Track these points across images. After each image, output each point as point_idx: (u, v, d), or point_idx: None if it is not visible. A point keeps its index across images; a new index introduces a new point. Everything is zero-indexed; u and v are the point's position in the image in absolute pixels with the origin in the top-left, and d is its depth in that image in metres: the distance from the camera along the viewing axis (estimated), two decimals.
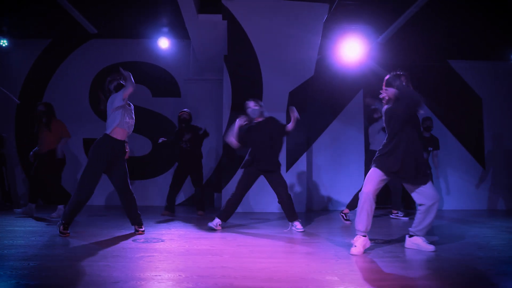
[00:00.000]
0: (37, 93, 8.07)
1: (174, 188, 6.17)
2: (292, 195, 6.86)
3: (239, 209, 5.52)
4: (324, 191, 7.66)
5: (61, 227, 4.08)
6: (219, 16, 5.95)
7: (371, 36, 7.20)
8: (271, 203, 6.86)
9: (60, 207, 5.70)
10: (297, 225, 4.71)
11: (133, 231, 4.37)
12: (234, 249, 3.59)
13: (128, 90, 4.16)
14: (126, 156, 4.37)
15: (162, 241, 3.93)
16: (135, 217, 4.35)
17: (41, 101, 8.05)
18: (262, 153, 4.70)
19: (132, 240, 3.92)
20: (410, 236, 3.65)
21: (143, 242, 3.83)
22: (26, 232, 4.41)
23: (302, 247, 3.76)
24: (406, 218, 5.83)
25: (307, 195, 7.26)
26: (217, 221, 4.68)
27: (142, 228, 4.36)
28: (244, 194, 4.79)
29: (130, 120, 4.31)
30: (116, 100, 4.17)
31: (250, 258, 3.20)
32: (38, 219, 5.48)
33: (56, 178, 5.92)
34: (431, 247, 3.52)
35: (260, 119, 4.80)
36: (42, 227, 4.78)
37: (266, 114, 4.84)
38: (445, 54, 7.94)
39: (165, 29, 7.71)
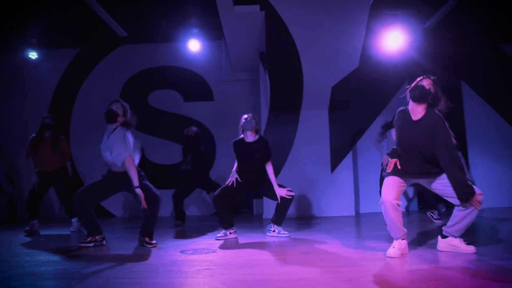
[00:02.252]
0: (67, 102, 7.87)
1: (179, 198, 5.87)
2: (338, 198, 6.47)
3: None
4: (372, 192, 7.08)
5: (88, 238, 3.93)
6: (256, 7, 5.54)
7: (416, 22, 6.67)
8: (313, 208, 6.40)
9: (74, 220, 5.39)
10: (281, 230, 4.35)
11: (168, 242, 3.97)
12: (300, 257, 3.12)
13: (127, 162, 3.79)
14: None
15: (213, 251, 3.51)
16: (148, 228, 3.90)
17: (71, 111, 7.93)
18: (249, 168, 4.37)
19: (180, 252, 3.51)
20: (444, 237, 3.13)
21: (192, 254, 3.41)
22: (58, 249, 4.07)
23: (378, 253, 3.24)
24: (439, 221, 5.21)
25: (355, 197, 6.71)
26: (224, 231, 4.27)
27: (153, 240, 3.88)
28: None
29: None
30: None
31: (326, 267, 2.72)
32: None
33: (67, 193, 5.48)
34: (471, 249, 3.01)
35: (252, 136, 4.40)
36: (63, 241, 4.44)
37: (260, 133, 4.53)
38: (496, 38, 7.31)
39: (195, 31, 7.38)
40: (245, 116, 4.43)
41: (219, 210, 4.23)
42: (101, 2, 6.15)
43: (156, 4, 6.62)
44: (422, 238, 3.84)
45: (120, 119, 3.93)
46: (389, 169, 3.15)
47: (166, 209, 7.05)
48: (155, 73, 7.92)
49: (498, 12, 6.53)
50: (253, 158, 4.32)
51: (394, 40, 6.55)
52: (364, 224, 5.37)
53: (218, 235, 4.27)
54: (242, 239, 4.19)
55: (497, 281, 2.22)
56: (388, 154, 3.20)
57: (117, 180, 3.93)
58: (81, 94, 7.98)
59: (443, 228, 3.16)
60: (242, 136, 4.46)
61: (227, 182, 4.32)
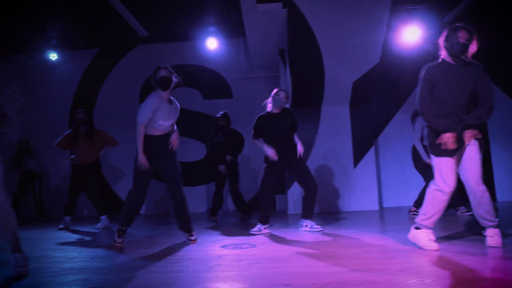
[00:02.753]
0: (88, 101, 7.96)
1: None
2: (362, 192, 6.50)
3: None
4: (395, 187, 7.11)
5: (116, 235, 3.86)
6: (279, 5, 5.59)
7: (435, 16, 6.67)
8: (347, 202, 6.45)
9: (103, 217, 5.50)
10: (314, 224, 4.35)
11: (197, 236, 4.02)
12: (343, 250, 3.17)
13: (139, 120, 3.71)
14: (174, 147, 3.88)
15: (254, 246, 3.56)
16: (184, 222, 3.91)
17: (92, 109, 8.03)
18: (280, 138, 4.39)
19: (222, 247, 3.57)
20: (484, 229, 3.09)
21: (234, 248, 3.47)
22: (101, 245, 4.15)
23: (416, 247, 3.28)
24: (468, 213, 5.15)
25: (378, 192, 6.74)
26: (259, 226, 4.33)
27: (193, 236, 3.92)
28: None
29: (164, 122, 3.81)
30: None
31: (374, 259, 2.76)
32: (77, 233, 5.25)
33: (97, 189, 5.68)
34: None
35: (279, 110, 4.46)
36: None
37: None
38: None
39: (213, 29, 7.43)
40: (279, 92, 4.46)
41: (266, 204, 4.29)
42: (123, 1, 6.22)
43: (174, 4, 6.68)
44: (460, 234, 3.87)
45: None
46: (451, 145, 2.94)
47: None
48: (174, 71, 7.96)
49: None
50: (283, 127, 4.36)
51: (413, 35, 6.57)
52: (391, 218, 5.41)
53: (253, 230, 4.32)
54: (276, 234, 4.24)
55: None
56: (445, 127, 2.97)
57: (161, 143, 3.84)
58: (102, 93, 8.09)
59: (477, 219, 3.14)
60: (268, 110, 4.50)
61: (270, 155, 4.27)
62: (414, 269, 2.44)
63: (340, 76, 6.23)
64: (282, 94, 4.44)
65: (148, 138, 3.75)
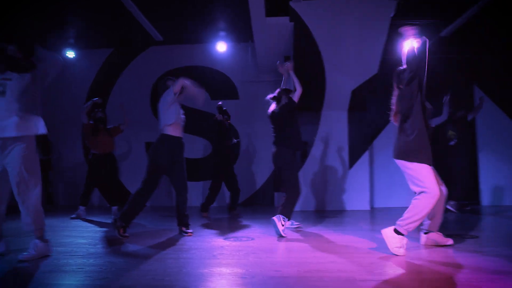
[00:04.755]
0: (102, 99, 8.43)
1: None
2: (355, 193, 7.00)
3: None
4: (386, 189, 7.59)
5: (121, 230, 4.09)
6: (286, 19, 6.04)
7: (433, 31, 7.09)
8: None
9: (114, 208, 6.03)
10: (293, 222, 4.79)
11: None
12: (327, 245, 3.66)
13: (178, 84, 4.21)
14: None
15: (252, 239, 4.06)
16: (182, 217, 4.37)
17: (105, 108, 8.53)
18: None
19: (224, 239, 4.07)
20: (426, 233, 3.60)
21: (235, 241, 3.97)
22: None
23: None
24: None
25: (370, 193, 7.22)
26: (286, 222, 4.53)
27: (189, 229, 4.35)
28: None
29: (183, 116, 4.38)
30: (169, 96, 4.25)
31: (350, 254, 3.26)
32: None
33: (113, 181, 6.29)
34: (450, 241, 3.50)
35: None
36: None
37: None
38: (508, 45, 7.70)
39: (222, 33, 7.90)
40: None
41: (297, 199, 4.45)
42: (139, 6, 6.65)
43: (186, 8, 7.11)
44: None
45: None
46: None
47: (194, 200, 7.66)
48: (184, 72, 8.43)
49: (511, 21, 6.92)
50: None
51: (411, 47, 6.98)
52: (380, 217, 5.90)
53: (291, 225, 4.76)
54: (271, 230, 4.73)
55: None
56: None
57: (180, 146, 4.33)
58: (114, 92, 8.58)
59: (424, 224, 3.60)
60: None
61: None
62: (379, 263, 2.94)
63: (340, 84, 6.70)
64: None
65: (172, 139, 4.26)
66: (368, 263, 2.94)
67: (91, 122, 6.16)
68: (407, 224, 3.25)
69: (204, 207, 6.23)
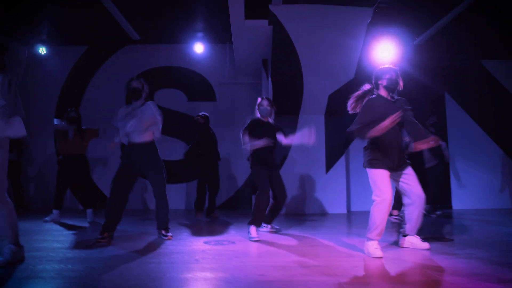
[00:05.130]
0: (74, 99, 8.22)
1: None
2: (332, 197, 7.09)
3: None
4: (362, 192, 7.72)
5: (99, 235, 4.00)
6: (265, 22, 6.06)
7: (407, 38, 7.29)
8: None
9: (89, 211, 5.81)
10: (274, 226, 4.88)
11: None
12: (309, 249, 3.70)
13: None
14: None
15: (233, 243, 4.05)
16: (163, 221, 4.31)
17: (78, 107, 8.29)
18: (267, 151, 4.52)
19: (204, 243, 4.03)
20: (404, 235, 3.73)
21: (216, 245, 3.95)
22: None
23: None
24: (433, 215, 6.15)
25: (347, 197, 7.34)
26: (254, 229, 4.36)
27: (168, 233, 4.30)
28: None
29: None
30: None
31: (326, 257, 3.30)
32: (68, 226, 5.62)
33: (85, 182, 6.02)
34: (426, 245, 3.60)
35: (268, 119, 4.64)
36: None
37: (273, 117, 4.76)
38: (479, 55, 8.05)
39: (200, 34, 7.85)
40: (263, 102, 4.60)
41: (265, 207, 4.41)
42: (116, 2, 6.50)
43: (165, 8, 7.01)
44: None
45: (144, 95, 4.40)
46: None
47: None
48: (161, 72, 8.36)
49: (479, 33, 7.22)
50: (269, 135, 4.43)
51: (386, 53, 7.15)
52: (357, 221, 6.00)
53: (271, 229, 4.81)
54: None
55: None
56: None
57: (136, 153, 4.20)
58: (89, 90, 8.36)
59: (403, 227, 3.73)
60: (258, 116, 4.63)
61: (265, 143, 4.26)
62: (362, 267, 2.99)
63: (317, 89, 6.78)
64: (265, 103, 4.59)
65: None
66: (352, 266, 2.99)
67: (63, 123, 5.90)
68: (372, 232, 3.45)
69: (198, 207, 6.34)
